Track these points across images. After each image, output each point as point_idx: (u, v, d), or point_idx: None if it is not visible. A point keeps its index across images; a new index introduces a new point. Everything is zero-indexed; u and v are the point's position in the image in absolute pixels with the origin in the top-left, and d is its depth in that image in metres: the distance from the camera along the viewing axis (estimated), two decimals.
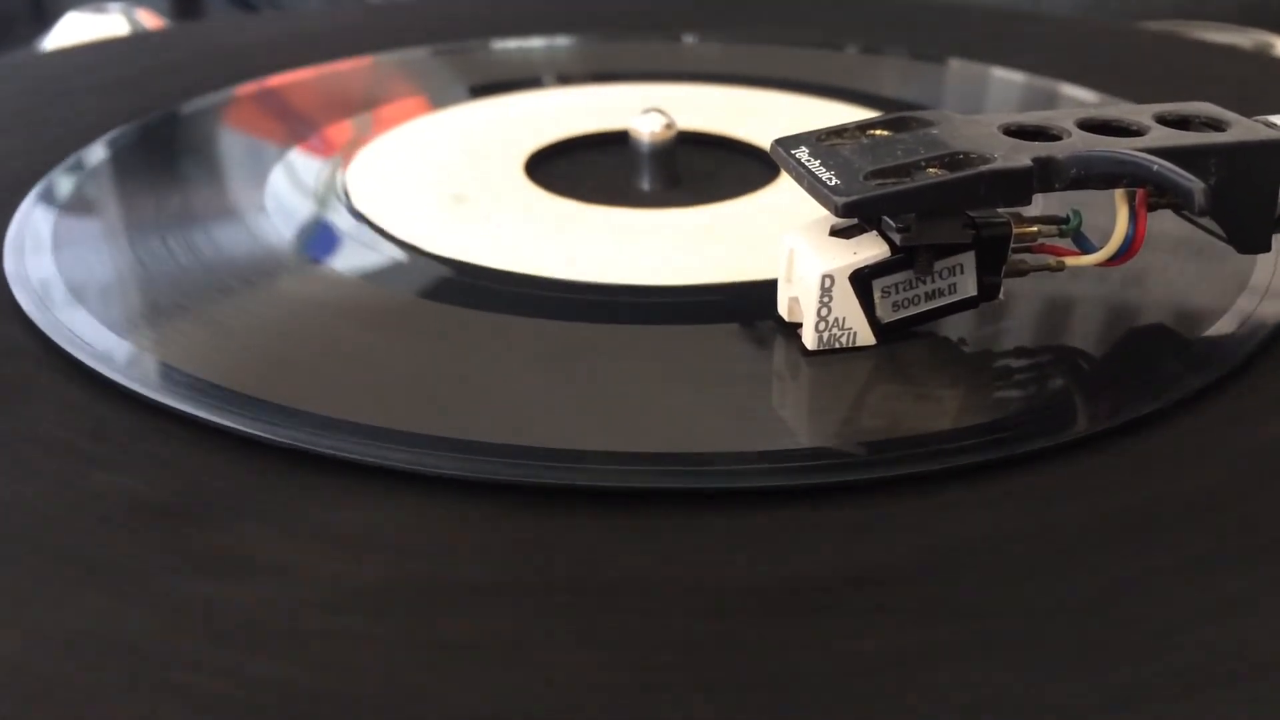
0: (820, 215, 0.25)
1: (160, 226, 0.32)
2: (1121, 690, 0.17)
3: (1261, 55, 0.52)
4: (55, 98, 0.43)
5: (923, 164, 0.24)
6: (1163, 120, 0.26)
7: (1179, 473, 0.22)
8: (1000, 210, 0.25)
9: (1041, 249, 0.25)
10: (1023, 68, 0.46)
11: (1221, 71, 0.47)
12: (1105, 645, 0.18)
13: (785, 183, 0.34)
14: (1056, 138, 0.25)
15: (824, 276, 0.24)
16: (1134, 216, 0.24)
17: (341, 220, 0.32)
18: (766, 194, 0.34)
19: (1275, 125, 0.26)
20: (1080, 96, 0.42)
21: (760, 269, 0.29)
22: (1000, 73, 0.46)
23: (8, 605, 0.19)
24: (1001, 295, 0.26)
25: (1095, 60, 0.48)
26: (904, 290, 0.25)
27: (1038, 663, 0.18)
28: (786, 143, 0.26)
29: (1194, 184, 0.22)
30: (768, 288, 0.27)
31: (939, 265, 0.25)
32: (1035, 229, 0.25)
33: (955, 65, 0.47)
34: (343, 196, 0.34)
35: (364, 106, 0.42)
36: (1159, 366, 0.25)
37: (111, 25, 0.58)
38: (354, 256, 0.31)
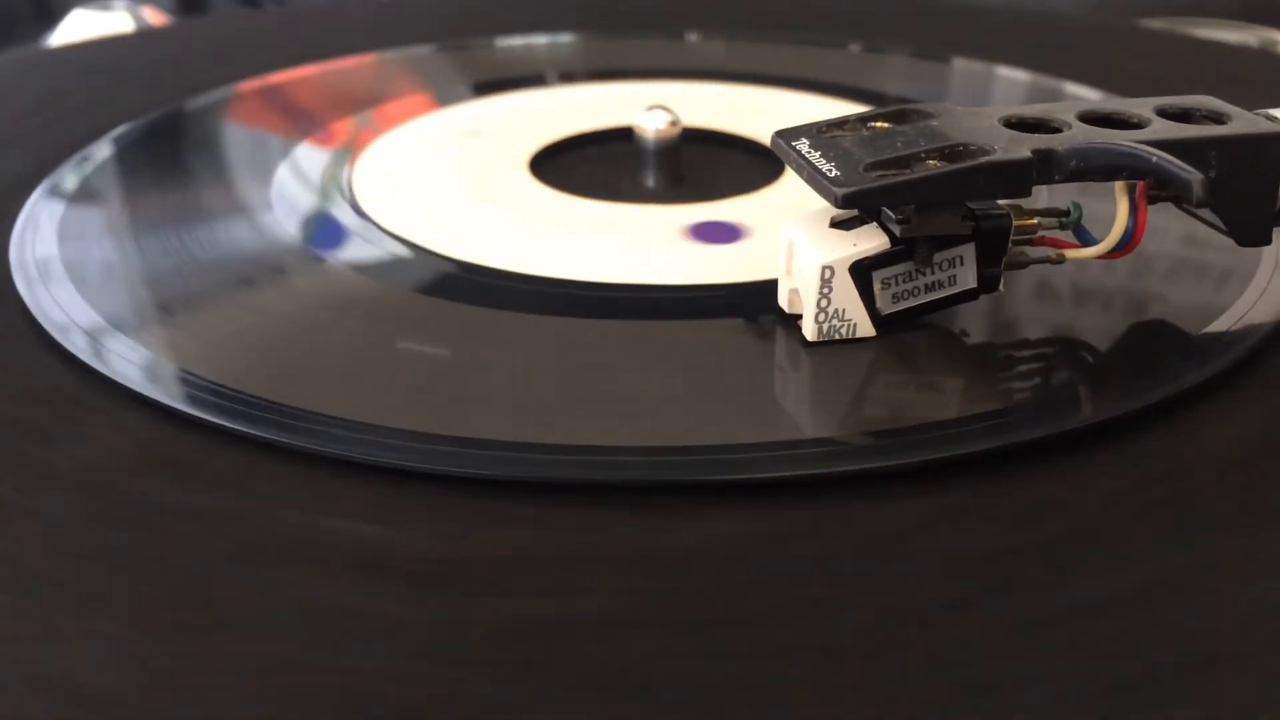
0: (820, 207, 0.25)
1: (166, 222, 0.32)
2: (1125, 681, 0.17)
3: (1266, 52, 0.52)
4: (60, 95, 0.43)
5: (922, 155, 0.24)
6: (1163, 113, 0.26)
7: (1179, 466, 0.22)
8: (1000, 202, 0.25)
9: (1042, 241, 0.26)
10: (1026, 66, 0.46)
11: (1226, 69, 0.47)
12: (1107, 640, 0.18)
13: (788, 180, 0.34)
14: (1056, 130, 0.25)
15: (824, 268, 0.24)
16: (1134, 209, 0.24)
17: (346, 216, 0.32)
18: (770, 191, 0.34)
19: (1276, 118, 0.26)
20: (1083, 95, 0.42)
21: (763, 265, 0.29)
22: (1004, 71, 0.46)
23: None
24: (1001, 287, 0.26)
25: (1098, 58, 0.48)
26: (904, 282, 0.25)
27: (1039, 658, 0.18)
28: (787, 135, 0.26)
29: (1192, 175, 0.22)
30: (770, 284, 0.27)
31: (939, 257, 0.25)
32: (1035, 221, 0.25)
33: (958, 64, 0.47)
34: (347, 193, 0.34)
35: (368, 103, 0.42)
36: (1160, 360, 0.25)
37: (116, 22, 0.58)
38: (357, 252, 0.31)
